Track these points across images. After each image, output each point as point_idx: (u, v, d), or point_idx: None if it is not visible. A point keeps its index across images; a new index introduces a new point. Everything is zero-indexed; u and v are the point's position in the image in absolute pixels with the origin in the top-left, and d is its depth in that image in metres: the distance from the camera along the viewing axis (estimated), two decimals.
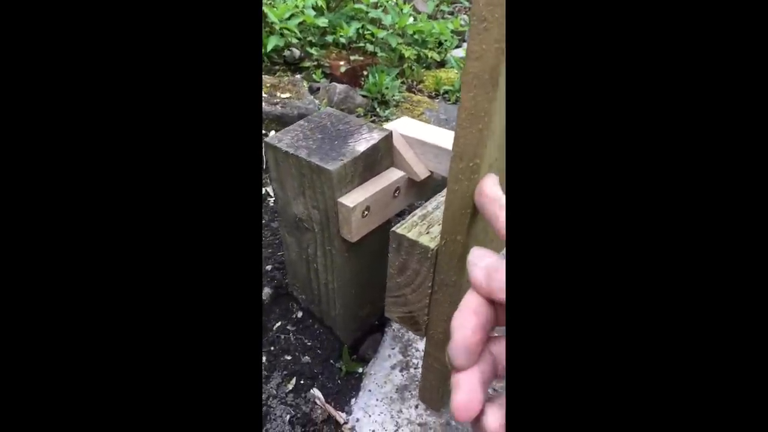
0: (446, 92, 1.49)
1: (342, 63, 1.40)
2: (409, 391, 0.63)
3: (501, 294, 0.22)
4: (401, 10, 1.55)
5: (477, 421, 0.22)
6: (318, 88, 1.28)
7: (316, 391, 0.62)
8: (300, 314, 0.70)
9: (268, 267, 0.76)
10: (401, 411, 0.60)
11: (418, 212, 0.40)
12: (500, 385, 0.63)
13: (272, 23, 1.32)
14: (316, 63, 1.43)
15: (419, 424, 0.59)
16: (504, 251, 0.41)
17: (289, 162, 0.53)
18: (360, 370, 0.66)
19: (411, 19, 1.56)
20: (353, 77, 1.39)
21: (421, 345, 0.69)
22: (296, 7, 1.38)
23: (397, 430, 0.58)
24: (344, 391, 0.63)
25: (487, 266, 0.23)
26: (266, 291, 0.71)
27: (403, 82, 1.49)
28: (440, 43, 1.74)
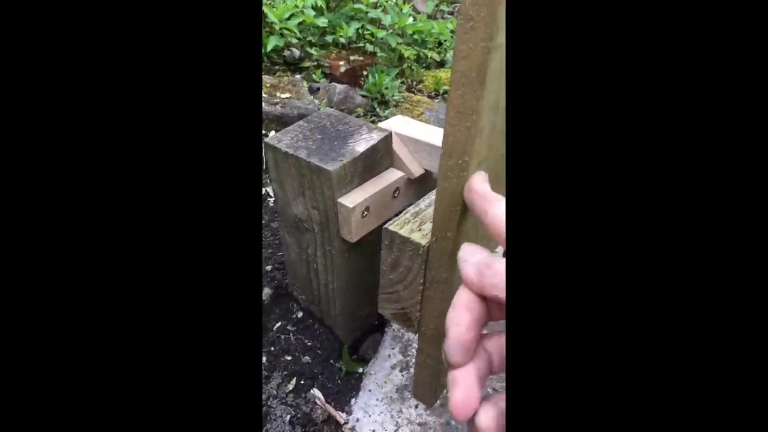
0: (446, 92, 1.49)
1: (342, 63, 1.40)
2: (409, 391, 0.63)
3: (492, 290, 0.22)
4: (401, 10, 1.55)
5: (471, 419, 0.22)
6: (318, 88, 1.28)
7: (316, 391, 0.62)
8: (300, 314, 0.70)
9: (268, 267, 0.76)
10: (401, 411, 0.60)
11: (411, 210, 0.41)
12: (500, 385, 0.63)
13: (272, 23, 1.32)
14: (315, 63, 1.42)
15: (419, 424, 0.59)
16: (498, 249, 0.41)
17: (288, 162, 0.53)
18: (360, 370, 0.66)
19: (410, 19, 1.56)
20: (353, 77, 1.39)
21: None
22: (296, 7, 1.38)
23: (397, 430, 0.58)
24: (344, 391, 0.63)
25: (478, 262, 0.23)
26: (266, 291, 0.71)
27: (402, 82, 1.49)
28: (440, 43, 1.74)
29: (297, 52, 1.43)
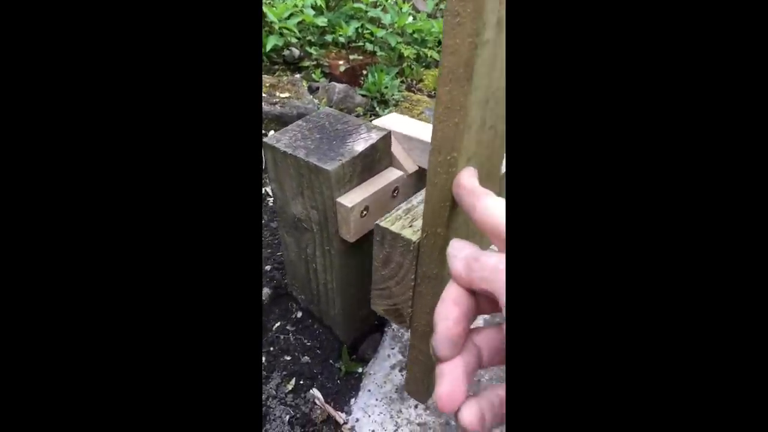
0: None
1: (341, 62, 1.40)
2: None
3: (481, 283, 0.22)
4: (400, 9, 1.55)
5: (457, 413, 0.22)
6: (317, 88, 1.28)
7: (315, 392, 0.62)
8: (299, 314, 0.70)
9: (268, 267, 0.75)
10: (401, 411, 0.60)
11: (403, 206, 0.41)
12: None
13: (271, 23, 1.32)
14: (315, 62, 1.42)
15: (419, 424, 0.59)
16: (493, 247, 0.41)
17: (287, 162, 0.53)
18: (359, 370, 0.66)
19: (410, 18, 1.56)
20: (353, 76, 1.39)
21: None
22: (295, 6, 1.38)
23: (396, 430, 0.58)
24: (344, 391, 0.63)
25: (467, 257, 0.23)
26: (266, 291, 0.71)
27: (402, 81, 1.49)
28: (440, 42, 1.74)
29: (296, 52, 1.43)
